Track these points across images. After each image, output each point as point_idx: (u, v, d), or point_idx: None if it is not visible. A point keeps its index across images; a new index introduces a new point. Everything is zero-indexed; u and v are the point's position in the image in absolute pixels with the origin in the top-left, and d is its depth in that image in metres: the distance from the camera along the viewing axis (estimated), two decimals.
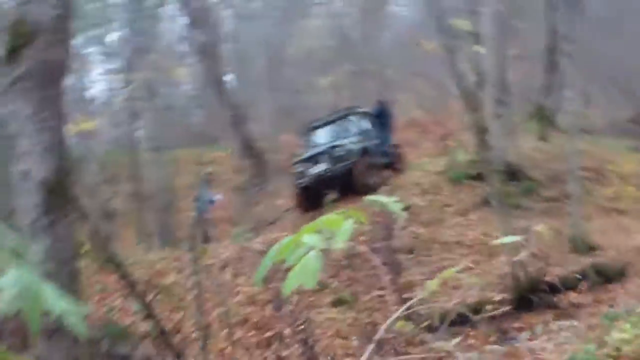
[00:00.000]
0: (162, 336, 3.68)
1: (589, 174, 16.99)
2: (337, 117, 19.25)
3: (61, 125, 4.19)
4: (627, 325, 7.18)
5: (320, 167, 17.15)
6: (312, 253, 1.72)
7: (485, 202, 14.86)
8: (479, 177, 15.64)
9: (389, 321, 2.03)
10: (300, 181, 17.39)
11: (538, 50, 23.85)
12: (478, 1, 17.24)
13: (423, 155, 21.40)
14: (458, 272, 9.12)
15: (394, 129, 20.35)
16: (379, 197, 2.08)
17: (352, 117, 19.07)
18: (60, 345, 3.92)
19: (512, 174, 15.26)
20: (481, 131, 13.59)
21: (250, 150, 20.37)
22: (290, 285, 1.69)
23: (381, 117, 19.50)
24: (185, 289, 11.01)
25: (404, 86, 32.74)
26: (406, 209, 15.64)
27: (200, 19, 21.37)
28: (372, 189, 15.52)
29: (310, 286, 1.67)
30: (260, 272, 1.90)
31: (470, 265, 12.85)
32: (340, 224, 1.79)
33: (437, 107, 24.22)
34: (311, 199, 16.66)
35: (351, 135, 18.17)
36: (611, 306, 10.06)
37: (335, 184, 16.59)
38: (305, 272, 1.67)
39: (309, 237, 1.76)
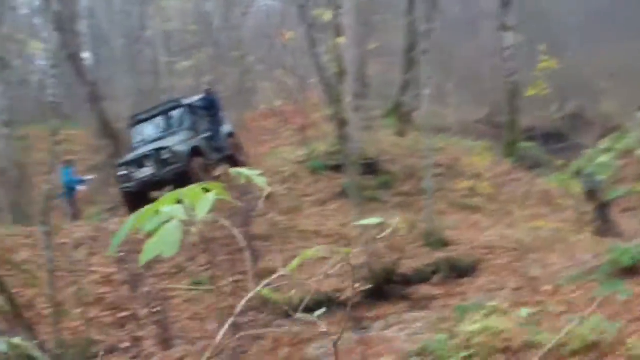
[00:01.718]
0: (15, 311, 3.38)
1: (443, 170, 17.57)
2: (163, 111, 17.58)
3: None
4: (478, 318, 7.37)
5: (146, 172, 15.61)
6: (172, 222, 1.61)
7: (343, 194, 15.00)
8: (338, 169, 15.77)
9: (247, 297, 1.86)
10: (125, 186, 15.71)
11: (398, 47, 24.37)
12: None
13: (283, 145, 21.32)
14: (316, 260, 9.04)
15: (224, 120, 18.67)
16: (244, 171, 1.93)
17: (178, 110, 17.40)
18: None
19: (370, 167, 15.46)
20: (341, 123, 13.67)
21: (106, 129, 19.47)
22: (148, 254, 1.58)
23: (210, 109, 17.77)
24: (38, 266, 10.51)
25: (265, 75, 32.66)
26: (266, 197, 15.53)
27: None
28: None
29: (169, 255, 1.57)
30: (116, 240, 1.73)
31: (329, 255, 12.88)
32: (200, 197, 1.66)
33: (298, 97, 24.19)
34: (140, 201, 14.77)
35: (179, 131, 16.82)
36: (462, 300, 10.36)
37: (166, 187, 15.11)
38: (165, 241, 1.58)
39: (169, 207, 1.65)
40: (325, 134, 18.53)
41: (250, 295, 2.04)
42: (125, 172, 15.75)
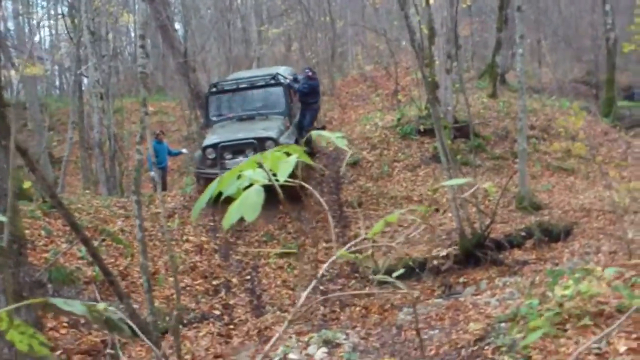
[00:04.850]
0: (108, 280, 3.54)
1: (537, 132, 17.11)
2: (255, 84, 15.09)
3: None
4: (570, 282, 7.17)
5: (242, 161, 12.87)
6: (254, 187, 1.65)
7: (435, 158, 14.82)
8: (429, 133, 15.57)
9: (331, 259, 1.86)
10: (211, 172, 13.48)
11: (492, 6, 23.75)
12: None
13: (374, 110, 21.22)
14: (405, 227, 8.94)
15: (319, 107, 16.32)
16: (324, 133, 1.92)
17: (274, 89, 14.90)
18: None
19: (462, 130, 15.19)
20: (432, 86, 13.44)
21: (199, 100, 19.75)
22: (230, 218, 1.63)
23: (309, 94, 15.15)
24: (132, 236, 10.88)
25: (354, 39, 32.50)
26: (355, 163, 15.54)
27: None
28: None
29: (251, 219, 1.58)
30: (199, 205, 1.79)
31: (418, 220, 12.81)
32: (282, 160, 1.72)
33: (389, 61, 23.95)
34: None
35: (273, 114, 14.55)
36: (556, 264, 10.12)
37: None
38: (246, 205, 1.62)
39: (250, 172, 1.71)
40: (416, 98, 18.31)
41: (333, 259, 2.04)
42: (213, 157, 13.70)
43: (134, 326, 1.76)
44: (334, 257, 2.01)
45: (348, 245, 2.12)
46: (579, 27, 31.70)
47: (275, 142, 13.22)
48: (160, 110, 28.40)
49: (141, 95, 6.75)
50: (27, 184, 9.93)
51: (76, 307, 1.55)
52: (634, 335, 5.16)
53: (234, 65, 26.27)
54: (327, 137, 1.92)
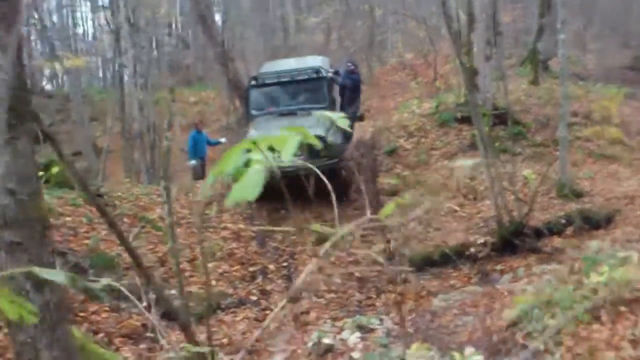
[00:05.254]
0: (135, 263, 3.62)
1: (579, 119, 16.76)
2: (297, 78, 14.42)
3: (17, 44, 4.00)
4: (605, 268, 7.05)
5: (294, 160, 11.89)
6: (255, 167, 1.68)
7: (473, 146, 14.63)
8: (467, 121, 15.36)
9: (331, 240, 1.84)
10: None
11: None
12: None
13: (412, 98, 21.07)
14: (442, 215, 8.88)
15: (360, 103, 15.77)
16: (329, 113, 1.90)
17: (317, 82, 14.22)
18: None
19: (501, 117, 14.97)
20: (471, 73, 13.28)
21: (238, 90, 19.64)
22: (232, 197, 1.65)
23: (352, 90, 14.90)
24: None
25: (393, 27, 32.30)
26: (392, 151, 15.46)
27: None
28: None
29: (251, 198, 1.62)
30: (207, 183, 1.78)
31: (456, 208, 12.73)
32: (286, 141, 1.71)
33: (429, 49, 23.76)
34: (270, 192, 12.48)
35: (319, 109, 13.28)
36: (596, 252, 9.92)
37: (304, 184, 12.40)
38: (247, 185, 1.65)
39: (253, 153, 1.72)
40: (455, 85, 18.12)
41: (333, 240, 2.02)
42: None
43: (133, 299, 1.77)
44: (334, 238, 2.00)
45: (352, 223, 2.09)
46: (626, 12, 30.98)
47: (323, 139, 11.95)
48: (201, 100, 28.61)
49: (168, 84, 6.82)
50: (54, 169, 10.15)
51: (58, 276, 1.58)
52: None
53: (272, 55, 26.33)
54: (330, 117, 1.91)
